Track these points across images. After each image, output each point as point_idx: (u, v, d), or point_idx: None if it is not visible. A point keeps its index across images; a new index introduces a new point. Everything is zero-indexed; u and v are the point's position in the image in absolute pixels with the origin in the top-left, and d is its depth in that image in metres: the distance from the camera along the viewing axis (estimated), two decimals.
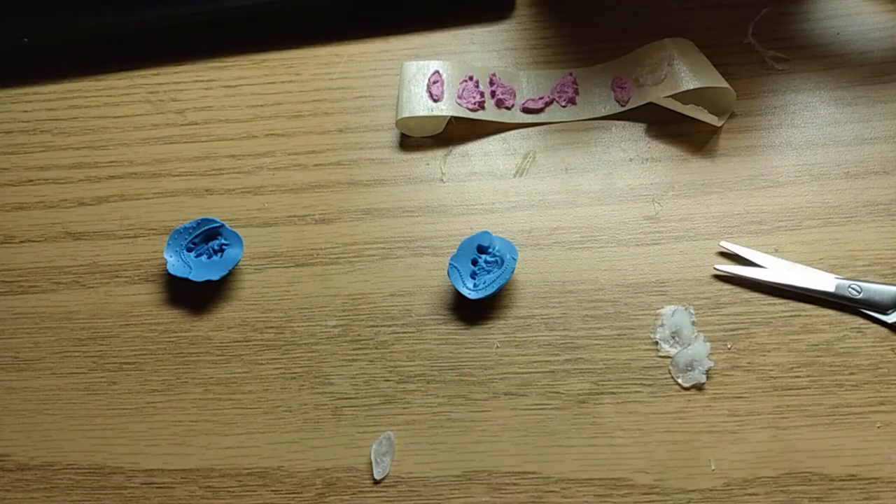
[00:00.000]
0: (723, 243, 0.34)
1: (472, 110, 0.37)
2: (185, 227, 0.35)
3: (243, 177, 0.38)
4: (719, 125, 0.36)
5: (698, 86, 0.34)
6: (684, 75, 0.35)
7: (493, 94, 0.38)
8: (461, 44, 0.40)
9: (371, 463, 0.31)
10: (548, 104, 0.38)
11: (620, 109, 0.37)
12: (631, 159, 0.36)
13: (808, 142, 0.36)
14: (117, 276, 0.36)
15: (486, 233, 0.34)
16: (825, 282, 0.32)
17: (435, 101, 0.37)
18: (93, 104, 0.40)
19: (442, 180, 0.37)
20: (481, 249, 0.34)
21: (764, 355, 0.32)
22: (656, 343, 0.33)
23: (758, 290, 0.33)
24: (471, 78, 0.38)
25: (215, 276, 0.34)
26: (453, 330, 0.34)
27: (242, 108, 0.39)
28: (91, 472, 0.33)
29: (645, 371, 0.32)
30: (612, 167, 0.36)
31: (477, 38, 0.40)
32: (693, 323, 0.32)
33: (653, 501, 0.30)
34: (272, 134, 0.39)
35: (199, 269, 0.34)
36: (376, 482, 0.31)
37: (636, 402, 0.32)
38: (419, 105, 0.37)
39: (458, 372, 0.33)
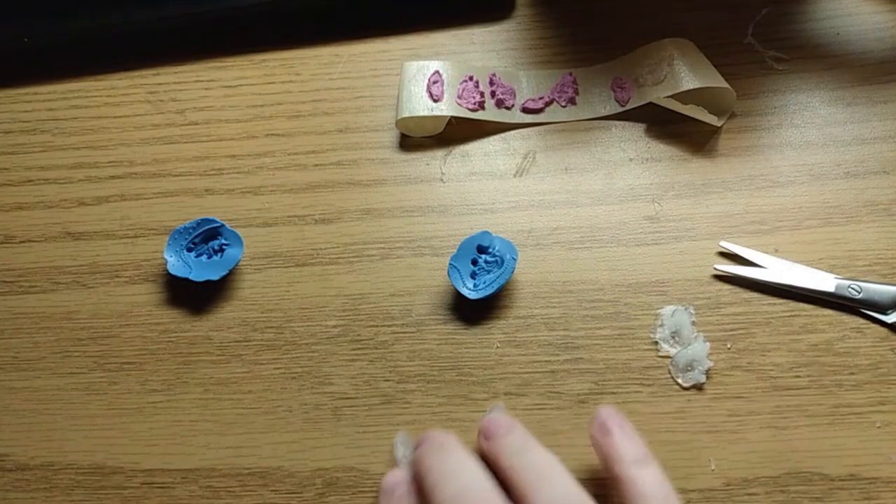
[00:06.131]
0: (723, 243, 0.34)
1: (472, 110, 0.37)
2: (185, 227, 0.35)
3: (243, 177, 0.38)
4: (719, 125, 0.36)
5: (698, 86, 0.34)
6: (684, 75, 0.35)
7: (493, 94, 0.38)
8: (461, 44, 0.40)
9: (395, 451, 0.32)
10: (548, 104, 0.38)
11: (620, 109, 0.37)
12: (631, 159, 0.36)
13: (807, 142, 0.36)
14: (117, 276, 0.36)
15: (486, 233, 0.34)
16: (825, 282, 0.32)
17: (435, 101, 0.37)
18: (93, 104, 0.40)
19: (442, 180, 0.37)
20: (481, 249, 0.34)
21: (764, 355, 0.32)
22: (656, 343, 0.33)
23: (758, 290, 0.33)
24: (471, 78, 0.38)
25: (215, 276, 0.34)
26: (453, 330, 0.34)
27: (242, 108, 0.39)
28: (91, 472, 0.33)
29: (645, 371, 0.32)
30: (612, 167, 0.36)
31: (477, 38, 0.40)
32: (693, 323, 0.32)
33: None
34: (272, 134, 0.39)
35: (199, 269, 0.34)
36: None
37: (636, 402, 0.32)
38: (419, 105, 0.37)
39: (458, 372, 0.33)
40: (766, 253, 0.34)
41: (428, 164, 0.37)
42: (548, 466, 0.27)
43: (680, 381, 0.32)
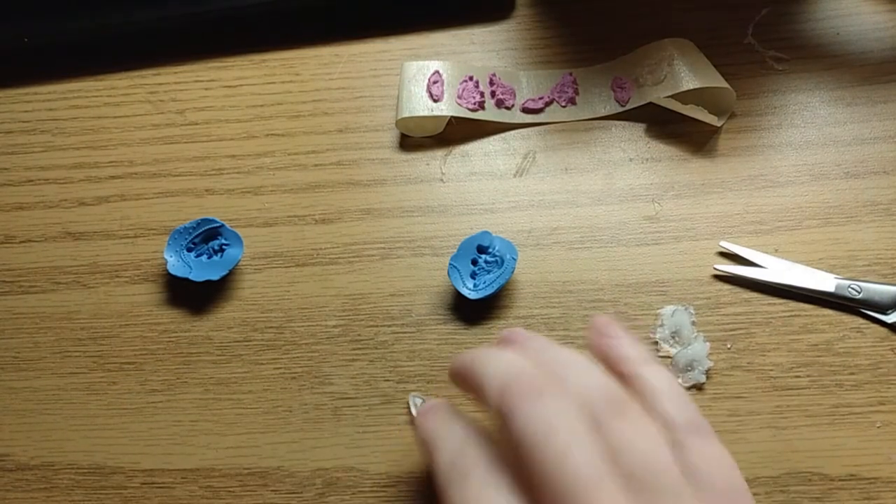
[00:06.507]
0: (723, 243, 0.34)
1: (472, 110, 0.37)
2: (185, 227, 0.35)
3: (243, 177, 0.38)
4: (719, 125, 0.36)
5: (698, 86, 0.34)
6: (684, 75, 0.35)
7: (493, 94, 0.38)
8: (461, 44, 0.40)
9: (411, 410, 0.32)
10: (548, 104, 0.38)
11: (620, 109, 0.37)
12: (631, 159, 0.36)
13: (807, 142, 0.36)
14: (117, 276, 0.36)
15: (486, 233, 0.34)
16: (825, 282, 0.32)
17: (435, 101, 0.37)
18: (93, 104, 0.40)
19: (442, 180, 0.37)
20: (481, 249, 0.34)
21: (764, 355, 0.32)
22: (656, 343, 0.33)
23: (758, 290, 0.33)
24: (471, 78, 0.38)
25: (215, 276, 0.34)
26: (453, 330, 0.34)
27: (242, 108, 0.39)
28: (91, 472, 0.33)
29: None
30: (612, 167, 0.36)
31: (477, 38, 0.40)
32: (693, 323, 0.32)
33: None
34: (272, 134, 0.39)
35: (199, 269, 0.34)
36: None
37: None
38: (419, 105, 0.37)
39: None
40: (766, 253, 0.34)
41: (428, 164, 0.37)
42: (574, 360, 0.25)
43: (680, 381, 0.32)
